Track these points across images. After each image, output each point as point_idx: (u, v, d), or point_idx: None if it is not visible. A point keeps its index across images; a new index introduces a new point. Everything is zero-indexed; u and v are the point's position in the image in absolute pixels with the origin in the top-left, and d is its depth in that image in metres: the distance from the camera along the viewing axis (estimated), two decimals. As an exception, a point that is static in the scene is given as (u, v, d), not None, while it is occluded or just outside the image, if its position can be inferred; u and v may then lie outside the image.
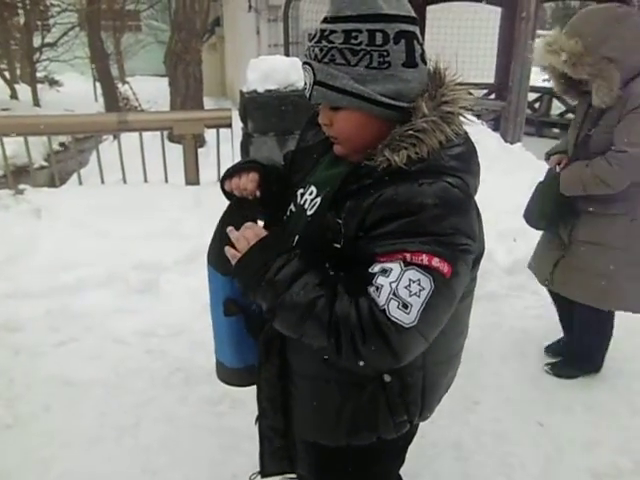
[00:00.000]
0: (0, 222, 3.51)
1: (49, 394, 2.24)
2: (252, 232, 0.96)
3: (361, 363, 0.87)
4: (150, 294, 2.91)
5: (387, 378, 1.01)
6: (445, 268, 0.85)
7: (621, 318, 2.35)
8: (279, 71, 3.84)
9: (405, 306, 0.83)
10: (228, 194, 1.14)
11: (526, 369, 2.47)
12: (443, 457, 1.95)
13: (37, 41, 12.39)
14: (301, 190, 1.08)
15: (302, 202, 1.06)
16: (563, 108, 9.14)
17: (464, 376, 2.34)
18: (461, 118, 0.95)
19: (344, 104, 0.92)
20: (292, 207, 1.10)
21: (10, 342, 2.56)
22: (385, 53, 0.89)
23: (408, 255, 0.85)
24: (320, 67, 0.91)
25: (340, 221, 0.92)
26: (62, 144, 8.38)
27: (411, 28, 0.92)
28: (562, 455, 1.97)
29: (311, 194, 1.05)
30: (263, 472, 1.23)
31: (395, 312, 0.83)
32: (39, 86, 12.43)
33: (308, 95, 0.96)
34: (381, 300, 0.84)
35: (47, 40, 12.64)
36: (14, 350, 2.52)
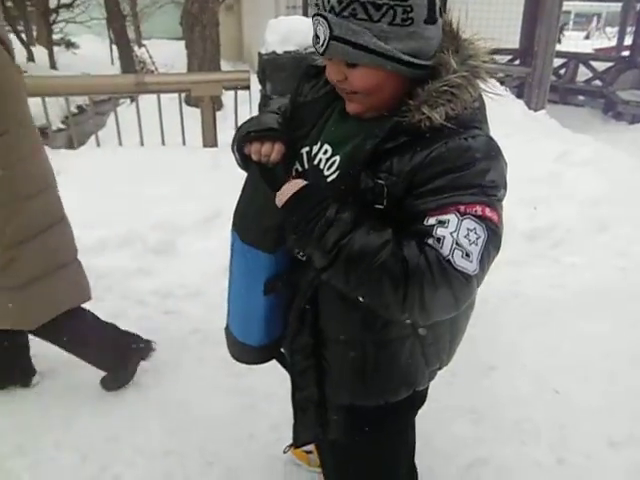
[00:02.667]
0: (20, 183, 3.54)
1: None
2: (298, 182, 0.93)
3: (422, 314, 0.87)
4: (168, 255, 2.93)
5: (422, 332, 1.02)
6: (495, 217, 0.87)
7: None
8: (298, 32, 3.76)
9: (467, 255, 0.83)
10: (243, 156, 1.06)
11: (544, 337, 2.45)
12: (458, 420, 1.96)
13: (53, 2, 12.27)
14: (307, 149, 1.03)
15: (316, 162, 1.01)
16: (590, 74, 8.85)
17: (481, 342, 2.36)
18: (486, 70, 0.93)
19: (365, 62, 0.87)
20: (298, 167, 1.05)
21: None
22: (409, 9, 0.85)
23: (462, 207, 0.85)
24: (338, 22, 0.85)
25: (381, 181, 0.89)
26: (79, 107, 8.38)
27: None
28: (578, 422, 1.97)
29: (326, 153, 1.00)
30: (297, 442, 1.21)
31: (460, 261, 0.83)
32: (55, 48, 12.37)
33: (322, 50, 0.89)
34: (445, 250, 0.83)
35: (63, 1, 12.51)
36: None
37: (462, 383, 2.11)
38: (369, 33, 0.85)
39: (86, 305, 2.61)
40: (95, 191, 3.31)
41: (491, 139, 0.91)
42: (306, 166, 1.03)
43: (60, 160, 3.80)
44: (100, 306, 2.57)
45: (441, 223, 0.85)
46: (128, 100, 6.90)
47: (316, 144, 1.02)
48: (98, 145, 4.35)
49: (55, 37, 12.81)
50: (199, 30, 6.94)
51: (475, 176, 0.86)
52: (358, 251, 0.84)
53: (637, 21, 9.02)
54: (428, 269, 0.82)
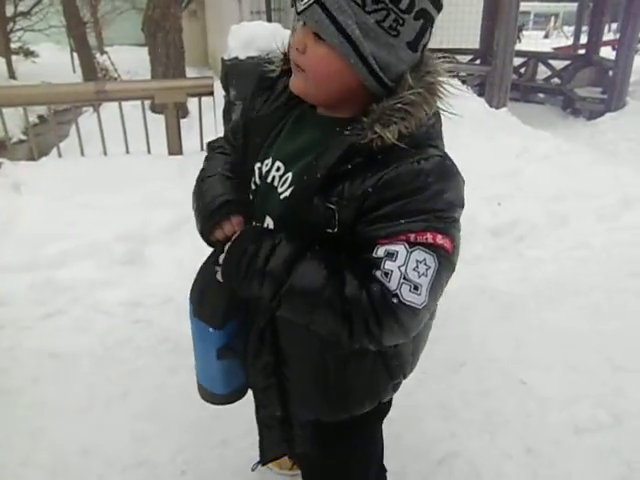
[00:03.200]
0: (-21, 197, 3.44)
1: (36, 366, 2.23)
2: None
3: (372, 344, 0.87)
4: (135, 265, 2.89)
5: (383, 348, 1.01)
6: (447, 244, 0.85)
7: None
8: (261, 37, 3.76)
9: (416, 288, 0.83)
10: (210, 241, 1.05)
11: (510, 330, 2.51)
12: (429, 417, 1.99)
13: (10, 10, 11.96)
14: (258, 164, 1.01)
15: (269, 179, 0.99)
16: (549, 72, 9.09)
17: (450, 338, 2.40)
18: (444, 87, 0.90)
19: (334, 42, 0.82)
20: (252, 184, 1.03)
21: (-5, 316, 2.54)
22: (401, 21, 0.82)
23: (412, 235, 0.83)
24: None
25: (332, 206, 0.87)
26: (41, 117, 8.18)
27: (434, 14, 0.87)
28: (544, 411, 2.03)
29: (278, 170, 0.98)
30: (263, 460, 1.22)
31: (408, 296, 0.83)
32: (14, 57, 12.05)
33: (301, 8, 0.84)
34: (392, 285, 0.82)
35: (20, 9, 12.20)
36: (-1, 324, 2.50)
37: (432, 380, 2.14)
38: (354, 18, 0.81)
39: (51, 318, 2.57)
40: (57, 202, 3.25)
41: (445, 159, 0.88)
42: (258, 182, 1.02)
43: (20, 172, 3.73)
44: (64, 320, 2.54)
45: (389, 256, 0.83)
46: (90, 109, 6.77)
47: (268, 159, 1.00)
48: (60, 156, 4.27)
49: (13, 46, 12.48)
50: (162, 36, 6.86)
51: (427, 201, 0.84)
52: (296, 299, 0.86)
53: (591, 20, 9.31)
54: (370, 306, 0.82)
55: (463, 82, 5.92)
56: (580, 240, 3.29)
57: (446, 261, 0.85)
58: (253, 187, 1.03)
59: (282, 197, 0.96)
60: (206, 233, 1.03)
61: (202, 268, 1.06)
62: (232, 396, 1.19)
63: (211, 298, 1.04)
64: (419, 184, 0.84)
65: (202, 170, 1.13)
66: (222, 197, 1.02)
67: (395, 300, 0.82)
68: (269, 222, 0.98)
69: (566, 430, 1.93)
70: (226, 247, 0.93)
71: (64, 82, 5.56)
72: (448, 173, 0.87)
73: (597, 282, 2.89)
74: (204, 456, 1.83)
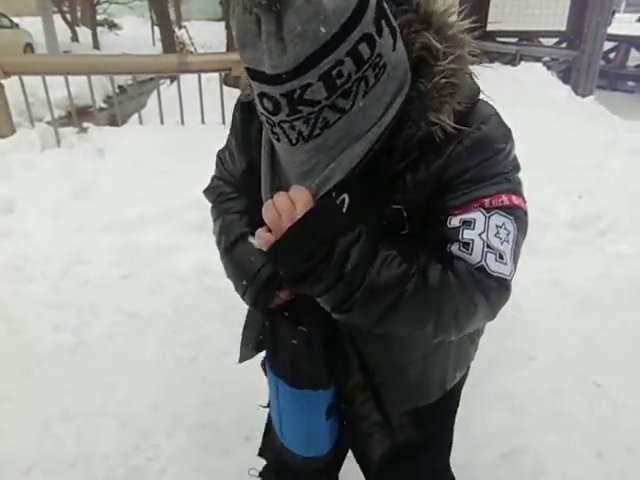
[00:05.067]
0: (65, 160, 3.65)
1: (113, 323, 2.36)
2: (291, 197, 0.71)
3: (454, 333, 0.79)
4: (206, 232, 2.95)
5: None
6: (522, 203, 0.80)
7: None
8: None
9: (501, 257, 0.76)
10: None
11: (585, 328, 2.39)
12: (495, 407, 1.93)
13: (97, -17, 12.46)
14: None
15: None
16: (642, 59, 8.48)
17: (520, 331, 2.32)
18: (464, 36, 0.79)
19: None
20: None
21: (78, 274, 2.69)
22: (378, 60, 0.68)
23: (487, 200, 0.76)
24: (316, 144, 0.70)
25: (398, 206, 0.78)
26: (120, 87, 8.51)
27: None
28: (618, 416, 1.92)
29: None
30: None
31: (495, 266, 0.75)
32: (99, 29, 12.59)
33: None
34: (475, 257, 0.75)
35: (107, -18, 12.69)
36: (82, 281, 2.65)
37: (500, 373, 2.08)
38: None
39: (127, 279, 2.69)
40: (137, 168, 3.38)
41: (498, 115, 0.81)
42: None
43: (104, 137, 3.90)
44: (140, 281, 2.65)
45: (466, 224, 0.76)
46: (167, 82, 6.97)
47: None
48: (141, 123, 4.42)
49: (98, 18, 13.03)
50: (239, 10, 6.92)
51: (496, 164, 0.78)
52: (374, 298, 0.73)
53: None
54: (461, 288, 0.74)
55: (548, 68, 5.61)
56: (669, 239, 3.07)
57: (523, 223, 0.79)
58: None
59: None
60: (261, 305, 0.94)
61: (277, 337, 0.97)
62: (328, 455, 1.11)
63: (308, 362, 0.94)
64: (487, 151, 0.77)
65: (220, 232, 1.00)
66: (266, 269, 0.89)
67: (483, 276, 0.75)
68: None
69: (641, 438, 1.83)
70: (288, 231, 0.70)
71: (147, 54, 5.73)
72: (507, 132, 0.80)
73: None
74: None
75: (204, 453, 1.78)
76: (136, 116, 4.53)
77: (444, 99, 0.74)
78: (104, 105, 7.53)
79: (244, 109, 0.93)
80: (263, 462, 1.30)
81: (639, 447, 1.80)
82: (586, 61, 6.08)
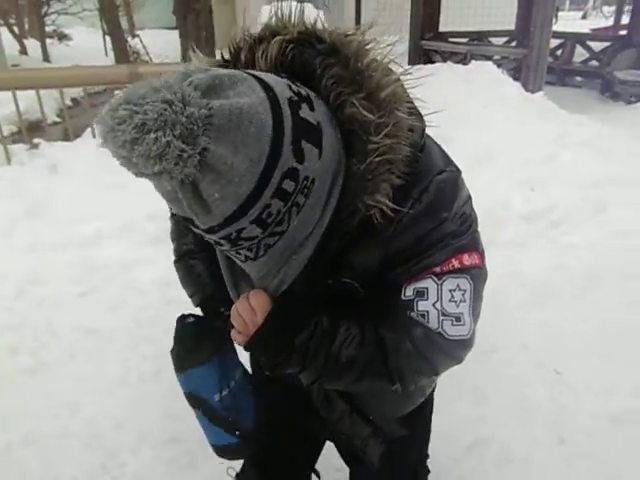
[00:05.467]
0: (16, 178, 3.54)
1: (73, 342, 2.30)
2: (251, 303, 0.76)
3: (430, 378, 0.87)
4: (166, 243, 2.91)
5: None
6: (476, 259, 0.79)
7: None
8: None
9: (458, 319, 0.78)
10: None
11: (544, 318, 2.46)
12: (461, 399, 1.97)
13: (44, -6, 12.15)
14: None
15: None
16: (587, 55, 8.79)
17: (482, 323, 2.36)
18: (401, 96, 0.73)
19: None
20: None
21: (34, 293, 2.61)
22: (305, 182, 0.64)
23: (437, 268, 0.77)
24: (264, 260, 0.70)
25: (349, 280, 0.80)
26: (74, 99, 8.30)
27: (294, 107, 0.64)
28: (578, 401, 1.99)
29: None
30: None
31: (452, 330, 0.78)
32: (48, 41, 12.27)
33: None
34: (433, 325, 0.77)
35: (54, -8, 12.39)
36: (38, 301, 2.57)
37: (464, 363, 2.11)
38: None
39: (87, 296, 2.64)
40: (92, 182, 3.31)
41: (441, 174, 0.77)
42: None
43: (57, 152, 3.81)
44: (99, 297, 2.60)
45: (420, 294, 0.77)
46: (122, 92, 6.85)
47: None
48: (94, 137, 4.33)
49: (47, 29, 12.70)
50: (192, 18, 6.89)
51: (443, 230, 0.76)
52: (338, 375, 0.80)
53: (635, 0, 8.94)
54: (418, 355, 0.78)
55: (498, 66, 5.75)
56: (619, 228, 3.18)
57: (479, 274, 0.80)
58: None
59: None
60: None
61: (175, 330, 1.04)
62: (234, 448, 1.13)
63: (194, 342, 1.01)
64: (430, 221, 0.76)
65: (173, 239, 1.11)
66: (195, 297, 1.07)
67: (442, 340, 0.78)
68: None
69: (601, 420, 1.89)
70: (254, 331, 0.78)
71: (98, 65, 5.62)
72: (451, 191, 0.78)
73: (634, 272, 2.80)
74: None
75: (171, 468, 1.75)
76: (89, 130, 4.44)
77: (380, 178, 0.70)
78: (57, 119, 7.34)
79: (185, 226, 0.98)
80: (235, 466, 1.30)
81: (599, 431, 1.86)
82: (534, 58, 6.26)
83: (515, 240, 3.11)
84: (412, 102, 0.77)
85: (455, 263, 0.77)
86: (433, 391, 1.18)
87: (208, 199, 0.60)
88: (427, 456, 1.27)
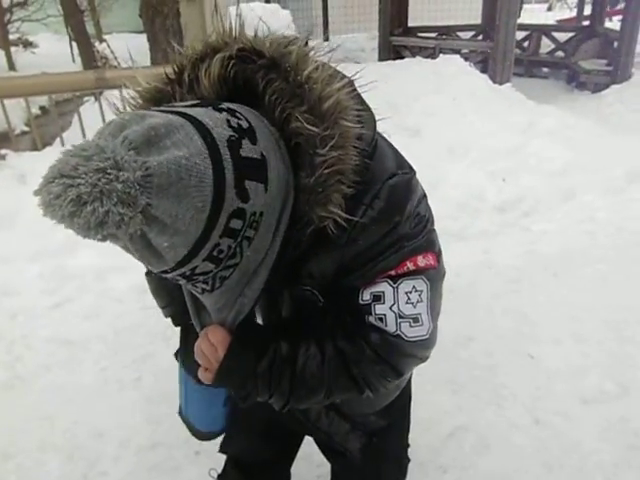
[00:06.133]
0: (-15, 189, 3.46)
1: (49, 354, 2.27)
2: (211, 340, 0.79)
3: (394, 382, 0.86)
4: (142, 251, 2.91)
5: None
6: (430, 260, 0.80)
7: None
8: (258, 19, 3.72)
9: (416, 320, 0.79)
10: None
11: (517, 304, 2.52)
12: (438, 391, 2.00)
13: (6, 1, 11.88)
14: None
15: None
16: (552, 46, 8.95)
17: (457, 314, 2.41)
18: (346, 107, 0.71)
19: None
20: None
21: (6, 306, 2.56)
22: (252, 218, 0.65)
23: (392, 272, 0.78)
24: (221, 291, 0.71)
25: (307, 288, 0.81)
26: (42, 107, 8.15)
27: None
28: (552, 383, 2.04)
29: None
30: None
31: (410, 332, 0.79)
32: (13, 49, 11.99)
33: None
34: (391, 327, 0.79)
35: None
36: (11, 314, 2.53)
37: (440, 356, 2.12)
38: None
39: (62, 306, 2.59)
40: (63, 191, 3.26)
41: (392, 178, 0.77)
42: None
43: (25, 163, 3.73)
44: (74, 307, 2.57)
45: (376, 298, 0.78)
46: (92, 98, 6.76)
47: None
48: (63, 145, 4.26)
49: (11, 37, 12.42)
50: (160, 21, 6.78)
51: (396, 233, 0.77)
52: (308, 393, 0.82)
53: (595, -10, 9.12)
54: (378, 359, 0.80)
55: (466, 59, 5.83)
56: (587, 214, 3.27)
57: (435, 274, 0.81)
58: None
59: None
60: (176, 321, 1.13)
61: (188, 338, 1.06)
62: (223, 431, 1.25)
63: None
64: (382, 226, 0.76)
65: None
66: (167, 309, 1.13)
67: (400, 342, 0.79)
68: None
69: (574, 401, 1.95)
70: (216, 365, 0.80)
71: (64, 71, 5.53)
72: (403, 194, 0.78)
73: (604, 255, 2.88)
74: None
75: (154, 474, 1.75)
76: (59, 139, 4.37)
77: (331, 189, 0.70)
78: (26, 128, 7.19)
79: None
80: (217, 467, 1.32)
81: (571, 411, 1.91)
82: (501, 51, 6.35)
83: (489, 230, 3.17)
84: (362, 106, 0.77)
85: (410, 265, 0.78)
86: (409, 382, 1.19)
87: (158, 247, 0.60)
88: (408, 445, 1.29)
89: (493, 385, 2.05)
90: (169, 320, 1.16)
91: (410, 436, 1.67)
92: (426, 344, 0.81)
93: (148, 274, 1.09)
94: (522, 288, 2.66)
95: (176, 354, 1.20)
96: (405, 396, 1.19)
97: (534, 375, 2.08)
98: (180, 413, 1.24)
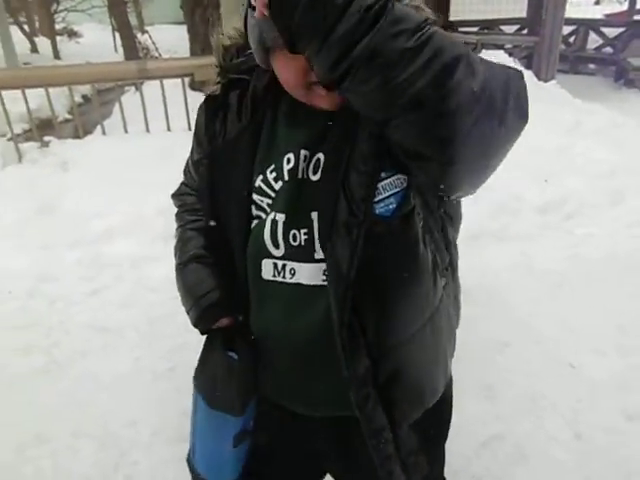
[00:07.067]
0: (28, 176, 3.57)
1: (85, 340, 2.31)
2: None
3: (519, 118, 0.67)
4: (176, 241, 2.94)
5: (444, 281, 0.91)
6: None
7: None
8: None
9: None
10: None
11: (557, 311, 2.43)
12: (473, 397, 1.95)
13: (53, -9, 12.20)
14: (261, 177, 0.85)
15: (299, 175, 0.83)
16: (600, 41, 8.63)
17: (494, 317, 2.35)
18: None
19: None
20: (262, 200, 0.85)
21: (46, 292, 2.63)
22: None
23: None
24: None
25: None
26: (85, 96, 8.34)
27: None
28: (594, 397, 1.95)
29: (305, 159, 0.82)
30: None
31: None
32: (58, 38, 12.33)
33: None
34: None
35: (63, -11, 12.44)
36: (50, 300, 2.59)
37: (475, 360, 2.09)
38: None
39: (98, 294, 2.64)
40: (102, 179, 3.32)
41: None
42: (276, 188, 0.84)
43: (67, 150, 3.82)
44: (110, 295, 2.61)
45: None
46: (133, 88, 6.87)
47: (272, 164, 0.85)
48: (104, 133, 4.34)
49: (57, 27, 12.76)
50: (200, 13, 6.83)
51: None
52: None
53: (649, -16, 8.76)
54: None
55: (510, 55, 5.68)
56: (636, 218, 3.13)
57: None
58: (265, 204, 0.85)
59: (315, 179, 0.82)
60: (201, 328, 0.98)
61: (207, 355, 0.99)
62: None
63: (226, 386, 0.94)
64: None
65: (178, 246, 1.05)
66: (211, 295, 0.95)
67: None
68: (316, 218, 0.81)
69: (618, 416, 1.86)
70: None
71: (107, 61, 5.63)
72: None
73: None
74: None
75: (185, 466, 1.75)
76: (100, 127, 4.45)
77: None
78: (69, 116, 7.37)
79: (211, 101, 0.92)
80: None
81: (616, 426, 1.83)
82: (546, 46, 6.17)
83: (529, 233, 3.07)
84: None
85: None
86: (450, 388, 1.11)
87: None
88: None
89: (531, 394, 1.98)
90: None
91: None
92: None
93: (177, 270, 1.03)
94: (563, 293, 2.56)
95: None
96: (443, 418, 1.11)
97: (575, 386, 2.00)
98: (188, 459, 1.08)
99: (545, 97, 4.76)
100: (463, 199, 0.83)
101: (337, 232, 0.77)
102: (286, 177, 0.83)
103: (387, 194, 0.77)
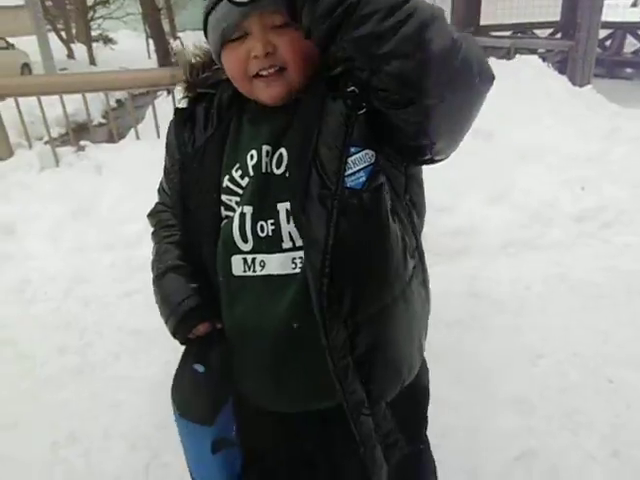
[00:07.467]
0: (64, 179, 3.65)
1: (118, 342, 2.35)
2: None
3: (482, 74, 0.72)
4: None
5: (413, 263, 0.93)
6: None
7: None
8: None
9: None
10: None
11: (595, 323, 2.36)
12: (505, 409, 1.90)
13: (90, 0, 12.54)
14: (227, 177, 0.90)
15: (263, 170, 0.87)
16: (638, 45, 8.41)
17: (527, 329, 2.29)
18: None
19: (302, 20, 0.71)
20: (230, 198, 0.89)
21: (80, 293, 2.68)
22: None
23: None
24: None
25: (352, 88, 0.77)
26: (118, 101, 8.54)
27: None
28: (633, 414, 1.89)
29: (267, 155, 0.87)
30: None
31: None
32: (94, 45, 12.66)
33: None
34: None
35: (100, -2, 12.78)
36: (85, 301, 2.64)
37: (509, 372, 2.05)
38: None
39: (130, 296, 2.67)
40: (135, 183, 3.36)
41: None
42: (243, 185, 0.89)
43: (102, 154, 3.90)
44: (143, 298, 2.64)
45: None
46: (165, 92, 6.99)
47: (238, 162, 0.90)
48: (137, 137, 4.43)
49: (93, 34, 13.11)
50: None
51: None
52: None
53: (690, -14, 8.49)
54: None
55: (543, 60, 5.57)
56: (676, 228, 3.03)
57: None
58: (234, 203, 0.89)
59: (278, 173, 0.86)
60: (180, 336, 0.99)
61: (178, 370, 1.02)
62: None
63: (196, 397, 0.98)
64: None
65: (155, 260, 1.05)
66: (189, 301, 0.96)
67: None
68: (282, 209, 0.85)
69: (659, 435, 1.79)
70: None
71: (141, 68, 5.75)
72: None
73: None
74: None
75: (213, 471, 1.76)
76: (133, 131, 4.54)
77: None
78: (103, 120, 7.56)
79: (181, 114, 0.98)
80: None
81: (656, 445, 1.76)
82: (582, 50, 6.03)
83: (564, 241, 3.00)
84: None
85: None
86: (427, 375, 1.08)
87: None
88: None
89: (566, 408, 1.92)
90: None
91: (471, 458, 1.59)
92: None
93: (155, 281, 1.02)
94: (600, 305, 2.48)
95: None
96: (419, 406, 1.07)
97: (613, 402, 1.94)
98: (187, 464, 1.10)
99: (580, 102, 4.66)
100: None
101: (311, 205, 0.79)
102: (251, 172, 0.88)
103: (357, 168, 0.80)
